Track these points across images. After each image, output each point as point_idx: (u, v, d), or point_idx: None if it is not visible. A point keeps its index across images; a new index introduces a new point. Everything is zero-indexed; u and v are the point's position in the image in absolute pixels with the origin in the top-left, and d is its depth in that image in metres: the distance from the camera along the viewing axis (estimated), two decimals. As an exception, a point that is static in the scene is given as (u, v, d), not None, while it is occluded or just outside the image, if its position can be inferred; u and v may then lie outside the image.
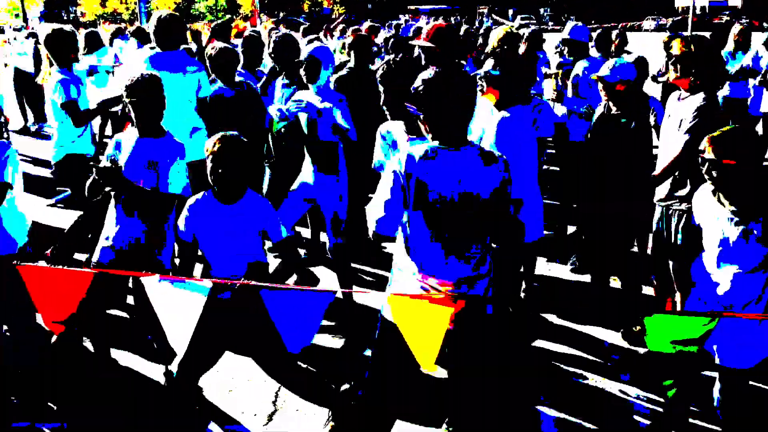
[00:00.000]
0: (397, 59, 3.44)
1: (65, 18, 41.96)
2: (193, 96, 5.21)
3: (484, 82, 3.70)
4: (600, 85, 4.20)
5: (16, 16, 34.80)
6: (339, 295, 4.39)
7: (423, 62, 4.54)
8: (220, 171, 3.06)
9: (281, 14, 52.07)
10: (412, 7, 59.26)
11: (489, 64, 3.78)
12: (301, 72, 4.53)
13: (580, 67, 6.09)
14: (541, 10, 66.28)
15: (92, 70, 7.55)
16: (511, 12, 64.04)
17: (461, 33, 8.60)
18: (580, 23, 6.88)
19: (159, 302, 2.63)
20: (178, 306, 2.59)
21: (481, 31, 10.73)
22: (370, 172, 6.37)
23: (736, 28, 8.37)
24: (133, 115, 3.61)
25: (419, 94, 2.65)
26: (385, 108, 3.46)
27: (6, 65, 11.82)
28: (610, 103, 4.21)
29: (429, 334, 2.44)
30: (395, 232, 2.67)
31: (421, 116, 2.67)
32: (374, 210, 2.61)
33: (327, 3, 54.54)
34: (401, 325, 2.50)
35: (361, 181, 6.09)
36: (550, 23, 57.86)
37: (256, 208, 3.22)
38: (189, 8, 44.38)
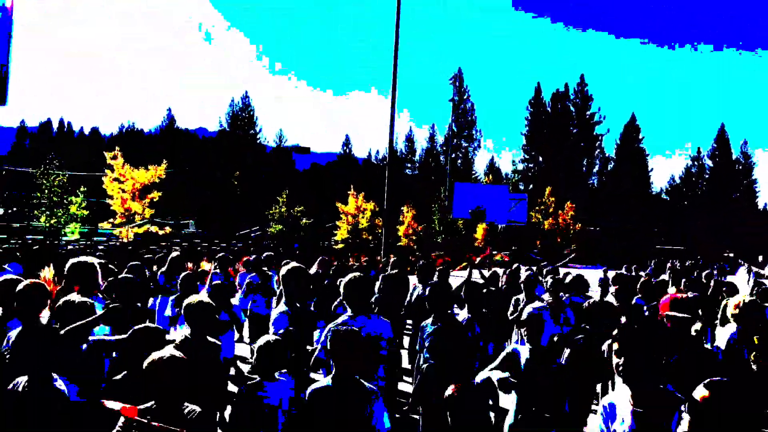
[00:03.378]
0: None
1: (321, 245, 47.42)
2: None
3: None
4: None
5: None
6: None
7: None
8: None
9: (513, 248, 53.93)
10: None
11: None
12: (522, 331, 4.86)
13: None
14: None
15: None
16: (761, 258, 59.12)
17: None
18: None
19: None
20: None
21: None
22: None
23: None
24: None
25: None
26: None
27: None
28: None
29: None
30: None
31: None
32: None
33: (558, 239, 55.53)
34: None
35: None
36: (811, 268, 51.73)
37: None
38: (428, 240, 47.89)
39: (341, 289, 5.41)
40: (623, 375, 3.45)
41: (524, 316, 4.79)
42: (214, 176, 76.24)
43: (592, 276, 16.36)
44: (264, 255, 13.54)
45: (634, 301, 8.08)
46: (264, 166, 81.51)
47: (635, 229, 68.82)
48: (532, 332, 4.68)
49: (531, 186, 70.47)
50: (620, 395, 3.48)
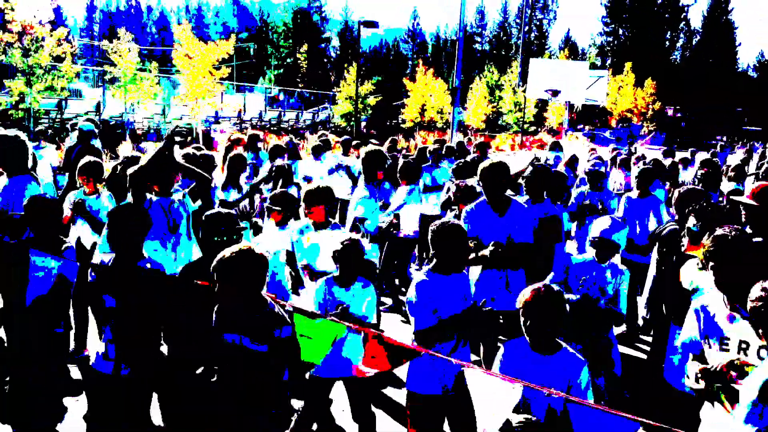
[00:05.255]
0: None
1: (388, 124, 47.16)
2: None
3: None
4: None
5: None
6: None
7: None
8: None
9: (586, 128, 52.18)
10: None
11: None
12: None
13: None
14: None
15: None
16: None
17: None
18: None
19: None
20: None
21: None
22: None
23: None
24: None
25: None
26: None
27: None
28: None
29: None
30: None
31: None
32: None
33: (636, 119, 53.22)
34: None
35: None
36: None
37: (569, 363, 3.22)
38: (497, 120, 46.80)
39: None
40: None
41: (594, 233, 4.56)
42: (280, 52, 75.57)
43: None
44: (320, 135, 13.45)
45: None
46: (330, 41, 80.00)
47: (718, 109, 65.12)
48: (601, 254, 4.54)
49: (609, 61, 66.89)
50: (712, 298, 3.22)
